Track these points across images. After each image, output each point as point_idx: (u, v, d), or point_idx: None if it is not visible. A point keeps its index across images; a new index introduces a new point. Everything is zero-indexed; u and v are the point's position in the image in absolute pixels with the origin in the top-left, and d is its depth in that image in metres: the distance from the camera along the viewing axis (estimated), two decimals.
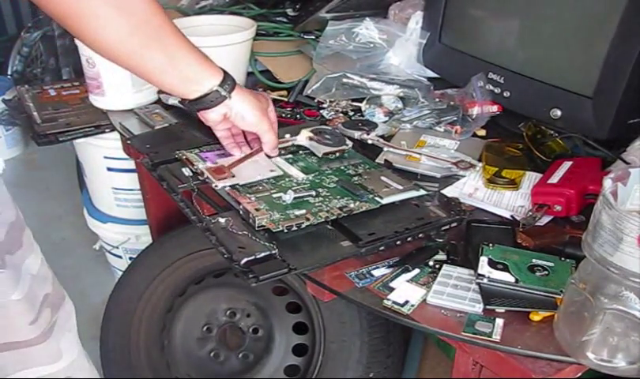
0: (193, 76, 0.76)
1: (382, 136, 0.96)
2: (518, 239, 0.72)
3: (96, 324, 1.38)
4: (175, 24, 0.75)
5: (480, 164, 0.89)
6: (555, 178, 0.80)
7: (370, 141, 0.94)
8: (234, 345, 1.26)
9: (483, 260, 0.67)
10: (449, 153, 0.92)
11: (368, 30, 1.13)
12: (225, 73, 0.79)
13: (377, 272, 0.70)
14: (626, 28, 0.82)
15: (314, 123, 1.01)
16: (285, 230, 0.71)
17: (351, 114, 1.05)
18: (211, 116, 0.80)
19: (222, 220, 0.73)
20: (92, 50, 0.70)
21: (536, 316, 0.63)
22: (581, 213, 0.77)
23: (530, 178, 0.87)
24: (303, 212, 0.73)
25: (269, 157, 0.86)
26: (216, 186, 0.77)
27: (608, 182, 0.55)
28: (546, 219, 0.77)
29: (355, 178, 0.82)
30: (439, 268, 0.70)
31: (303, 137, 0.90)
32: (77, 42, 1.04)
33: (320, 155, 0.88)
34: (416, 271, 0.70)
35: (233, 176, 0.80)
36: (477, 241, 0.71)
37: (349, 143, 0.90)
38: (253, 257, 0.66)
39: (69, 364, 0.78)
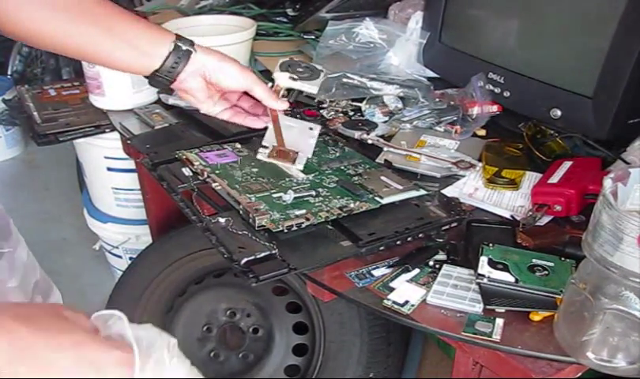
0: (145, 45, 0.72)
1: (382, 136, 0.96)
2: (518, 239, 0.72)
3: None
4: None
5: (480, 164, 0.89)
6: (555, 178, 0.80)
7: (370, 141, 0.94)
8: (234, 345, 1.26)
9: (483, 260, 0.67)
10: (449, 153, 0.92)
11: (368, 30, 1.13)
12: (178, 35, 0.75)
13: (377, 272, 0.70)
14: (626, 28, 0.82)
15: (314, 123, 1.01)
16: (285, 230, 0.71)
17: (351, 114, 1.05)
18: (191, 85, 0.75)
19: (222, 220, 0.73)
20: (18, 36, 0.66)
21: (536, 316, 0.63)
22: (581, 213, 0.77)
23: (530, 178, 0.87)
24: (303, 211, 0.73)
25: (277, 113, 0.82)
26: (297, 172, 0.76)
27: (608, 182, 0.55)
28: (546, 219, 0.77)
29: (355, 178, 0.82)
30: (439, 268, 0.70)
31: (285, 79, 0.84)
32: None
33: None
34: (416, 271, 0.70)
35: (297, 152, 0.79)
36: (477, 241, 0.71)
37: (322, 71, 0.87)
38: (253, 257, 0.66)
39: None
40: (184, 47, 0.73)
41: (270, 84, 0.84)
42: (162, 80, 0.74)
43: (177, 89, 0.78)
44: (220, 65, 0.76)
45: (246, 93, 0.81)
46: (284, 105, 0.82)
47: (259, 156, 0.80)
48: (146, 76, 0.75)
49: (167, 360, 0.49)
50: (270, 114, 0.82)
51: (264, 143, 0.81)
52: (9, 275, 0.70)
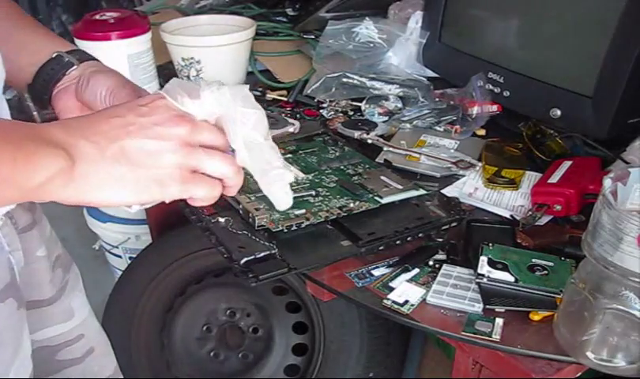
0: (32, 47, 0.63)
1: (381, 136, 0.96)
2: (518, 239, 0.72)
3: None
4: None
5: (480, 164, 0.89)
6: (554, 178, 0.80)
7: (369, 141, 0.94)
8: (234, 345, 1.27)
9: (483, 260, 0.67)
10: (448, 153, 0.92)
11: (368, 30, 1.13)
12: (79, 50, 0.64)
13: (377, 272, 0.70)
14: (626, 28, 0.82)
15: (314, 123, 1.01)
16: (285, 230, 0.71)
17: (351, 113, 1.05)
18: (63, 104, 0.63)
19: (222, 220, 0.73)
20: None
21: (536, 315, 0.63)
22: (581, 213, 0.77)
23: (530, 178, 0.87)
24: (303, 211, 0.73)
25: None
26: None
27: (607, 182, 0.55)
28: (546, 219, 0.77)
29: (355, 178, 0.82)
30: (439, 268, 0.70)
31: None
32: (76, 41, 1.04)
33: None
34: (416, 270, 0.70)
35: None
36: (477, 240, 0.71)
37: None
38: (252, 257, 0.66)
39: (82, 322, 0.79)
40: (66, 59, 0.62)
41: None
42: (37, 93, 0.65)
43: (54, 108, 0.66)
44: (88, 79, 0.60)
45: None
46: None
47: None
48: (29, 89, 0.65)
49: (201, 86, 0.49)
50: None
51: None
52: (39, 244, 0.70)
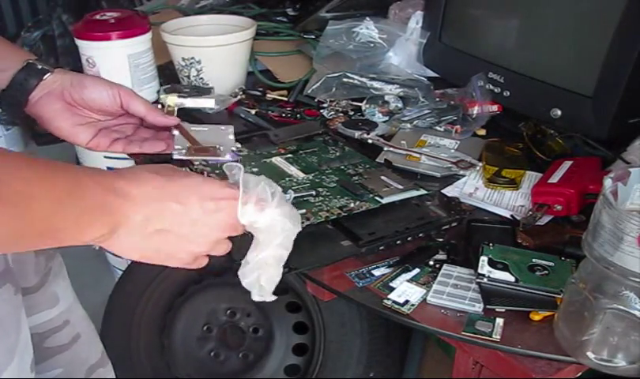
0: None
1: (382, 136, 0.96)
2: (518, 239, 0.72)
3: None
4: None
5: (480, 164, 0.89)
6: (555, 178, 0.80)
7: (370, 141, 0.94)
8: (234, 345, 1.27)
9: (484, 260, 0.67)
10: (449, 153, 0.92)
11: (368, 30, 1.13)
12: (42, 60, 0.68)
13: (377, 272, 0.70)
14: (626, 28, 0.82)
15: (315, 123, 1.01)
16: None
17: (351, 113, 1.05)
18: (47, 108, 0.67)
19: None
20: None
21: (536, 315, 0.63)
22: (581, 213, 0.77)
23: (530, 178, 0.87)
24: (303, 211, 0.73)
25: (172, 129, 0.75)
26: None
27: (608, 182, 0.55)
28: (546, 219, 0.77)
29: (356, 178, 0.82)
30: (439, 268, 0.70)
31: (173, 98, 0.81)
32: (77, 42, 1.04)
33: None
34: (416, 270, 0.70)
35: (218, 146, 0.73)
36: (477, 240, 0.71)
37: (212, 88, 0.86)
38: None
39: (67, 308, 0.80)
40: (39, 66, 0.66)
41: (160, 106, 0.79)
42: (12, 99, 0.67)
43: (36, 117, 0.69)
44: (81, 80, 0.67)
45: (142, 125, 0.75)
46: (173, 120, 0.75)
47: (175, 156, 0.72)
48: (1, 94, 0.68)
49: (269, 199, 0.56)
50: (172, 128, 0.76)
51: (176, 146, 0.73)
52: None
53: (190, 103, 0.83)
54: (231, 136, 0.79)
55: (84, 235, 0.48)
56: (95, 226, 0.49)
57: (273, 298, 0.59)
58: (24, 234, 0.45)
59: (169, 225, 0.53)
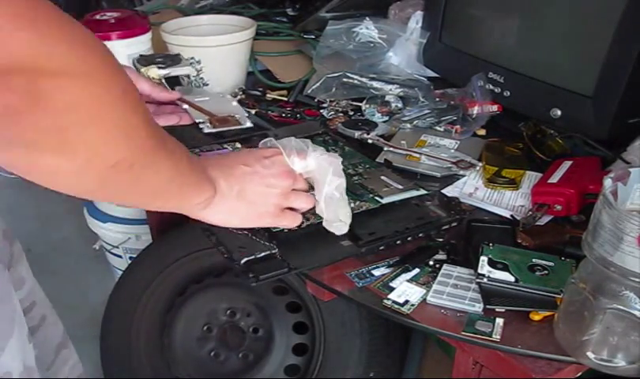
0: None
1: (382, 136, 0.96)
2: (518, 239, 0.72)
3: (96, 324, 1.38)
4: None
5: (480, 164, 0.89)
6: (555, 178, 0.80)
7: (370, 141, 0.94)
8: (234, 345, 1.26)
9: (483, 260, 0.67)
10: (449, 153, 0.92)
11: (368, 30, 1.13)
12: None
13: (377, 272, 0.70)
14: (626, 28, 0.82)
15: (315, 123, 1.01)
16: (285, 230, 0.71)
17: (351, 113, 1.05)
18: None
19: None
20: None
21: (536, 315, 0.63)
22: (581, 213, 0.77)
23: (530, 178, 0.87)
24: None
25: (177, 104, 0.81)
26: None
27: (608, 182, 0.55)
28: (546, 219, 0.77)
29: (355, 178, 0.82)
30: (439, 268, 0.70)
31: (155, 71, 0.84)
32: None
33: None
34: (416, 270, 0.70)
35: (234, 115, 0.80)
36: (477, 240, 0.71)
37: (179, 54, 0.89)
38: (253, 257, 0.66)
39: (31, 289, 0.82)
40: None
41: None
42: None
43: None
44: None
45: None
46: (176, 94, 0.80)
47: (206, 130, 0.79)
48: None
49: (309, 150, 0.69)
50: (179, 104, 0.81)
51: (197, 120, 0.79)
52: None
53: (171, 72, 0.85)
54: (235, 103, 0.86)
55: (197, 196, 0.60)
56: (204, 188, 0.61)
57: (346, 230, 0.69)
58: (159, 190, 0.55)
59: (245, 183, 0.64)
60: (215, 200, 0.62)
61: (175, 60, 0.88)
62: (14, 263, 0.79)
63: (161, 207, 0.60)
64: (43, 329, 0.84)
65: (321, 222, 0.72)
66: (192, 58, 1.07)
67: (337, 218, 0.69)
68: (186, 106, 0.80)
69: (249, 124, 0.81)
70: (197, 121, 0.79)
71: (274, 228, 0.70)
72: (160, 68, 0.84)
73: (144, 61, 0.86)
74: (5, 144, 0.41)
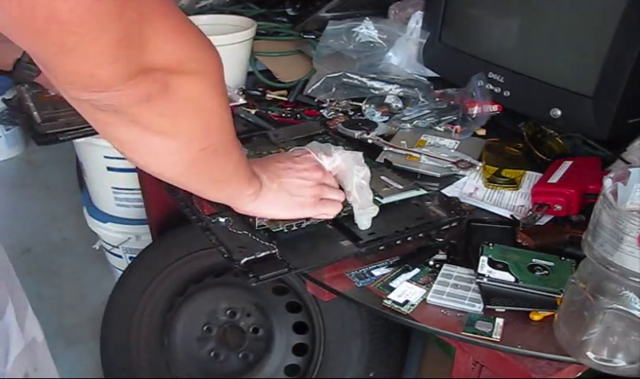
0: None
1: (382, 136, 0.96)
2: (518, 239, 0.72)
3: (96, 324, 1.38)
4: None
5: (480, 164, 0.89)
6: (555, 178, 0.80)
7: (370, 141, 0.94)
8: (234, 345, 1.26)
9: (483, 260, 0.67)
10: (449, 153, 0.92)
11: (368, 30, 1.13)
12: None
13: (377, 272, 0.70)
14: (626, 28, 0.82)
15: (315, 123, 1.01)
16: (285, 230, 0.71)
17: (351, 113, 1.05)
18: None
19: (222, 220, 0.73)
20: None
21: (536, 315, 0.63)
22: (581, 213, 0.77)
23: (530, 178, 0.87)
24: None
25: None
26: None
27: (608, 182, 0.55)
28: (546, 219, 0.77)
29: None
30: (439, 268, 0.70)
31: None
32: None
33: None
34: (416, 270, 0.70)
35: None
36: (477, 240, 0.71)
37: None
38: (253, 257, 0.66)
39: None
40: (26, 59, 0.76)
41: None
42: (25, 70, 0.74)
43: (49, 84, 0.76)
44: None
45: None
46: None
47: None
48: (10, 72, 0.74)
49: (332, 149, 0.77)
50: None
51: None
52: None
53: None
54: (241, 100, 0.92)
55: (249, 188, 0.67)
56: (254, 181, 0.68)
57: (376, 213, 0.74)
58: (226, 177, 0.64)
59: (282, 177, 0.71)
60: (262, 192, 0.69)
61: None
62: None
63: (219, 195, 0.68)
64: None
65: (322, 222, 0.73)
66: None
67: (370, 203, 0.73)
68: None
69: (242, 100, 0.87)
70: None
71: (274, 228, 0.70)
72: None
73: None
74: (128, 121, 0.51)
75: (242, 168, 0.66)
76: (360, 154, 0.76)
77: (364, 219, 0.73)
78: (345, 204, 0.75)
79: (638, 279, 0.51)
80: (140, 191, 1.42)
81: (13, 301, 0.74)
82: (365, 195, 0.74)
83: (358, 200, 0.73)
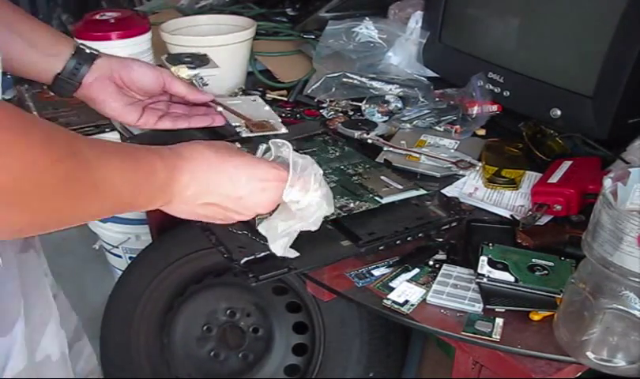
0: (46, 45, 0.70)
1: (381, 136, 0.96)
2: (518, 239, 0.72)
3: (96, 324, 1.38)
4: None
5: (480, 164, 0.89)
6: (554, 178, 0.80)
7: (369, 141, 0.94)
8: (234, 345, 1.27)
9: (483, 260, 0.67)
10: (448, 153, 0.92)
11: (368, 30, 1.13)
12: (82, 42, 0.75)
13: (377, 272, 0.70)
14: (626, 28, 0.82)
15: (314, 123, 1.01)
16: None
17: (351, 113, 1.05)
18: (101, 90, 0.73)
19: None
20: None
21: (536, 315, 0.63)
22: (581, 213, 0.77)
23: (530, 178, 0.87)
24: None
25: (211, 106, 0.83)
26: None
27: (607, 182, 0.55)
28: (546, 219, 0.77)
29: (355, 178, 0.82)
30: (439, 268, 0.70)
31: (185, 70, 0.86)
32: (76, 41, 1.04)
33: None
34: (416, 270, 0.70)
35: (268, 120, 0.82)
36: (477, 240, 0.71)
37: (206, 55, 0.91)
38: (253, 257, 0.66)
39: (53, 280, 0.83)
40: (87, 50, 0.72)
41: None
42: (66, 84, 0.72)
43: (88, 99, 0.75)
44: (127, 64, 0.74)
45: (172, 100, 0.81)
46: (209, 96, 0.82)
47: (243, 134, 0.81)
48: (50, 86, 0.72)
49: (312, 184, 0.62)
50: (213, 105, 0.83)
51: (233, 123, 0.82)
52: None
53: (200, 72, 0.87)
54: (267, 107, 0.88)
55: (148, 206, 0.57)
56: (157, 202, 0.57)
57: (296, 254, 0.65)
58: (104, 209, 0.54)
59: (217, 199, 0.60)
60: (171, 205, 0.59)
61: (203, 60, 0.90)
62: (38, 250, 0.78)
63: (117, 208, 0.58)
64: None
65: (322, 222, 0.73)
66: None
67: (285, 247, 0.65)
68: (220, 108, 0.83)
69: (284, 130, 0.82)
70: (233, 124, 0.82)
71: None
72: (189, 68, 0.85)
73: (173, 60, 0.87)
74: None
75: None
76: (330, 210, 0.67)
77: (273, 241, 0.65)
78: (345, 205, 0.75)
79: (637, 279, 0.51)
80: None
81: (31, 316, 0.69)
82: (289, 240, 0.65)
83: (278, 232, 0.65)
